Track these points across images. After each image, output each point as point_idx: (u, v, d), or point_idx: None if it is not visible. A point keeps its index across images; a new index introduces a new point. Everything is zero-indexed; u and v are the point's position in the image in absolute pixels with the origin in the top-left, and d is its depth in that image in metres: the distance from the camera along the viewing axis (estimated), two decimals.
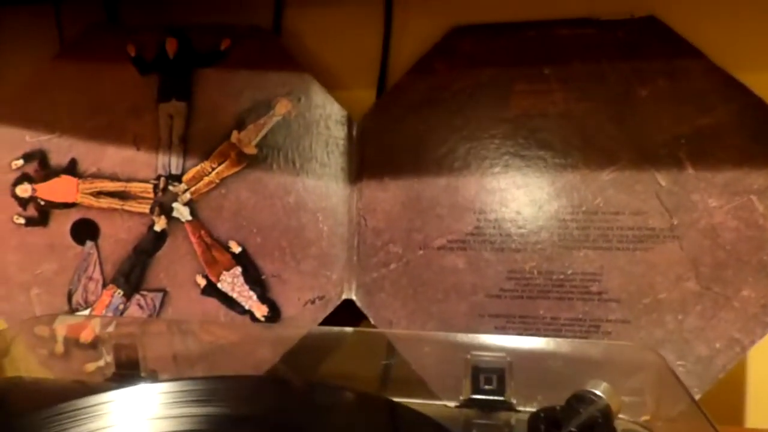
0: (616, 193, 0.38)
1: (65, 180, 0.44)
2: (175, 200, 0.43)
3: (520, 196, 0.40)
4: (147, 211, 0.43)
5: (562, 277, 0.38)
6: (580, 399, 0.22)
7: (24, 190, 0.44)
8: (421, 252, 0.40)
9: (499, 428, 0.26)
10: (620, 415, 0.24)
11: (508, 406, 0.28)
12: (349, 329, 0.38)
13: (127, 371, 0.32)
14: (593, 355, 0.28)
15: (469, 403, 0.28)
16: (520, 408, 0.28)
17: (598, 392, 0.23)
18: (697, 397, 0.35)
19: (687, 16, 0.39)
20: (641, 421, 0.25)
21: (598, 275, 0.38)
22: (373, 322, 0.41)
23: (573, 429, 0.20)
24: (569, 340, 0.30)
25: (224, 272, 0.42)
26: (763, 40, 0.40)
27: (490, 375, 0.28)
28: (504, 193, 0.40)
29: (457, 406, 0.28)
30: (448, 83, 0.42)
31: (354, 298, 0.41)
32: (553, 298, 0.38)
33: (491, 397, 0.28)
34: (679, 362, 0.36)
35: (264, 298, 0.42)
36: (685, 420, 0.24)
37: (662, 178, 0.38)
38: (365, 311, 0.41)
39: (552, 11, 0.41)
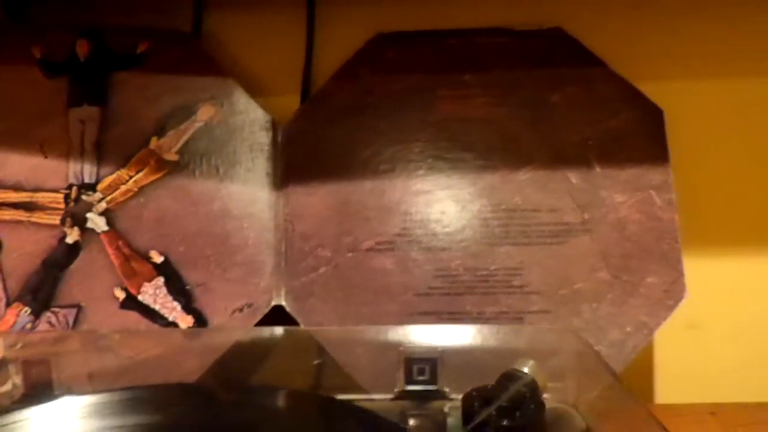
0: (533, 192, 0.41)
1: None
2: (90, 210, 0.41)
3: (444, 197, 0.41)
4: (57, 222, 0.41)
5: (486, 272, 0.40)
6: (509, 377, 0.23)
7: None
8: (350, 254, 0.41)
9: (433, 416, 0.27)
10: (545, 395, 0.25)
11: (442, 395, 0.28)
12: (278, 328, 0.37)
13: (39, 392, 0.30)
14: (518, 340, 0.30)
15: (403, 395, 0.28)
16: (453, 396, 0.29)
17: (525, 369, 0.24)
18: (601, 390, 0.37)
19: (591, 29, 0.43)
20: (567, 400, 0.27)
21: (520, 269, 0.40)
22: (303, 327, 0.40)
23: (503, 403, 0.21)
24: (495, 327, 0.31)
25: (145, 283, 0.40)
26: (658, 51, 0.44)
27: (423, 366, 0.29)
28: (429, 195, 0.41)
29: (391, 399, 0.29)
30: (372, 89, 0.43)
31: (284, 303, 0.40)
32: (479, 293, 0.40)
33: (425, 387, 0.28)
34: (595, 347, 0.38)
35: (189, 308, 0.40)
36: (607, 396, 0.25)
37: (573, 177, 0.41)
38: (296, 316, 0.40)
39: (470, 20, 0.44)
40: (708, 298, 0.43)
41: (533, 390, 0.22)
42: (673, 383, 0.43)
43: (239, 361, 0.37)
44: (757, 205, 0.43)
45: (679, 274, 0.39)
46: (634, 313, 0.39)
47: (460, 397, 0.27)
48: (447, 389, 0.29)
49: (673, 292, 0.39)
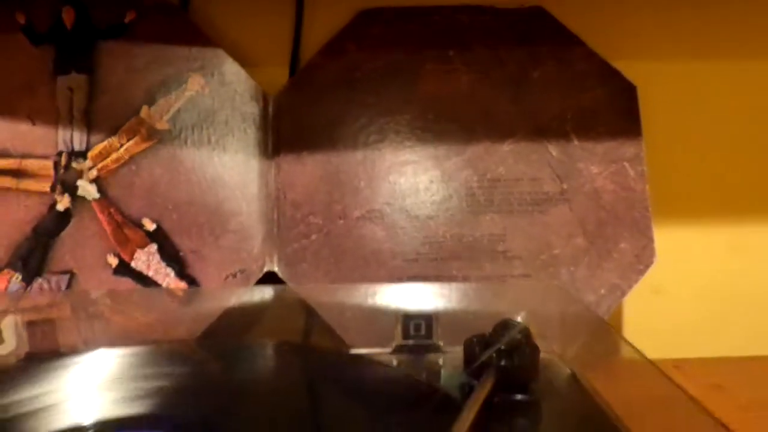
0: (515, 163, 0.43)
1: None
2: (80, 178, 0.41)
3: (431, 167, 0.43)
4: (47, 189, 0.41)
5: (471, 239, 0.42)
6: (504, 325, 0.25)
7: None
8: (340, 222, 0.42)
9: (430, 366, 0.29)
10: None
11: (436, 348, 0.30)
12: (268, 288, 0.38)
13: (40, 350, 0.31)
14: (506, 295, 0.32)
15: (401, 349, 0.30)
16: (447, 349, 0.31)
17: (518, 319, 0.26)
18: (585, 339, 0.40)
19: (570, 9, 0.45)
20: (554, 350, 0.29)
21: (503, 236, 0.42)
22: (292, 286, 0.42)
23: (502, 346, 0.23)
24: (484, 283, 0.33)
25: (138, 250, 0.41)
26: (633, 31, 0.46)
27: (419, 321, 0.30)
28: (417, 165, 0.43)
29: (390, 353, 0.30)
30: (360, 63, 0.44)
31: (276, 269, 0.42)
32: (464, 259, 0.42)
33: (421, 342, 0.30)
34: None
35: (182, 274, 0.41)
36: (591, 344, 0.28)
37: (553, 149, 0.43)
38: (288, 282, 0.42)
39: None
40: (672, 263, 0.46)
41: (527, 336, 0.25)
42: (640, 341, 0.46)
43: (231, 322, 0.38)
44: (719, 178, 0.46)
45: (649, 240, 0.42)
46: (607, 277, 0.41)
47: (453, 349, 0.29)
48: (441, 343, 0.31)
49: (643, 257, 0.42)
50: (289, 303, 0.36)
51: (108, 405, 0.23)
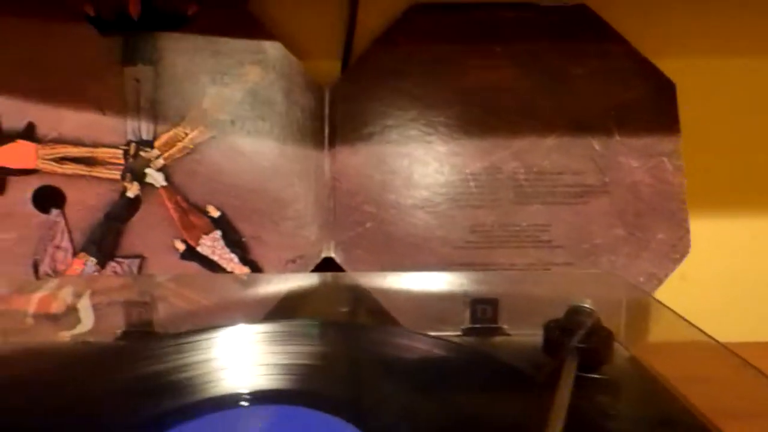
0: (560, 156, 0.45)
1: (22, 145, 0.42)
2: (148, 166, 0.43)
3: (479, 159, 0.45)
4: (117, 177, 0.43)
5: (517, 228, 0.45)
6: (577, 311, 0.28)
7: None
8: (393, 211, 0.45)
9: (495, 349, 0.32)
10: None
11: (502, 331, 0.33)
12: (327, 274, 0.41)
13: (139, 329, 0.33)
14: (561, 281, 0.35)
15: (469, 332, 0.33)
16: (511, 332, 0.33)
17: (587, 306, 0.29)
18: (641, 322, 0.42)
19: (612, 6, 0.47)
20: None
21: (547, 226, 0.45)
22: (350, 272, 0.44)
23: (583, 331, 0.26)
24: (544, 271, 0.36)
25: (203, 236, 0.43)
26: (674, 29, 0.48)
27: (486, 306, 0.33)
28: (465, 157, 0.45)
29: (459, 335, 0.33)
30: (410, 57, 0.46)
31: (333, 255, 0.44)
32: (510, 247, 0.44)
33: (487, 325, 0.33)
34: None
35: (245, 259, 0.43)
36: (649, 328, 0.31)
37: (596, 144, 0.45)
38: (344, 267, 0.44)
39: None
40: (699, 251, 0.49)
41: (598, 320, 0.27)
42: None
43: (291, 307, 0.41)
44: (749, 170, 0.49)
45: (686, 232, 0.44)
46: (645, 266, 0.44)
47: (517, 332, 0.32)
48: (506, 326, 0.33)
49: (679, 247, 0.44)
50: (349, 289, 0.38)
51: (258, 377, 0.25)
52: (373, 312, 0.38)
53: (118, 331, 0.33)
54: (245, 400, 0.24)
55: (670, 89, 0.46)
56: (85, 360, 0.29)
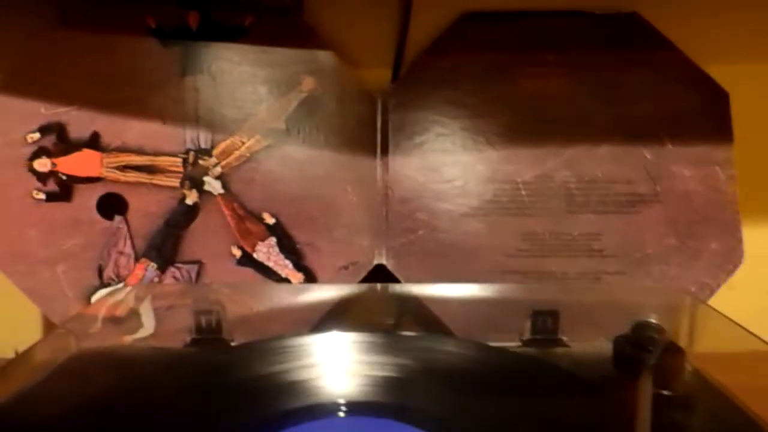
0: (611, 165, 0.45)
1: (87, 154, 0.43)
2: (206, 174, 0.44)
3: (531, 168, 0.45)
4: (176, 184, 0.44)
5: (569, 237, 0.45)
6: (645, 327, 0.28)
7: (43, 165, 0.42)
8: (445, 218, 0.45)
9: (557, 359, 0.32)
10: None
11: (562, 343, 0.34)
12: (378, 285, 0.41)
13: (207, 336, 0.34)
14: (626, 294, 0.35)
15: (529, 343, 0.33)
16: (571, 344, 0.34)
17: (654, 321, 0.29)
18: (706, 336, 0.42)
19: (664, 15, 0.46)
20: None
21: (599, 235, 0.45)
22: (403, 283, 0.45)
23: (654, 348, 0.26)
24: (604, 284, 0.36)
25: (259, 243, 0.44)
26: (725, 37, 0.48)
27: (546, 317, 0.34)
28: (516, 165, 0.46)
29: (519, 346, 0.34)
30: (460, 65, 0.46)
31: (385, 263, 0.45)
32: (562, 256, 0.45)
33: (548, 336, 0.33)
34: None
35: (299, 266, 0.44)
36: (715, 344, 0.31)
37: (647, 153, 0.45)
38: (396, 274, 0.45)
39: (551, 2, 0.47)
40: (748, 262, 0.48)
41: (668, 337, 0.28)
42: None
43: (344, 316, 0.42)
44: None
45: (738, 242, 0.44)
46: (697, 275, 0.44)
47: (575, 343, 0.32)
48: (565, 337, 0.34)
49: (732, 257, 0.44)
50: (402, 299, 0.39)
51: (352, 387, 0.26)
52: (429, 323, 0.39)
53: (188, 338, 0.34)
54: (339, 410, 0.24)
55: (722, 97, 0.45)
56: (185, 364, 0.29)
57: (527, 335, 0.33)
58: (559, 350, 0.33)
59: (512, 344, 0.34)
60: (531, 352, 0.32)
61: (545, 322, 0.33)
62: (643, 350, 0.26)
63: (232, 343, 0.34)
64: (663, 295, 0.35)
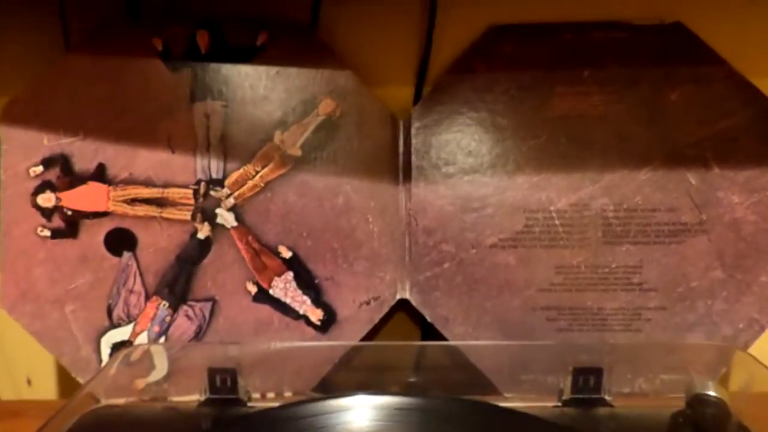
0: (653, 192, 0.42)
1: (93, 187, 0.41)
2: (218, 206, 0.42)
3: (566, 194, 0.42)
4: (188, 218, 0.41)
5: (606, 270, 0.42)
6: (704, 402, 0.25)
7: (47, 200, 0.40)
8: (473, 251, 0.42)
9: (599, 421, 0.29)
10: None
11: (605, 403, 0.31)
12: (416, 343, 0.39)
13: (223, 396, 0.32)
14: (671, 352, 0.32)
15: (570, 402, 0.31)
16: (615, 404, 0.31)
17: (713, 393, 0.26)
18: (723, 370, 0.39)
19: (710, 24, 0.43)
20: None
21: (639, 267, 0.42)
22: (429, 319, 0.42)
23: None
24: (652, 341, 0.33)
25: (276, 278, 0.42)
26: None
27: (588, 376, 0.31)
28: (550, 192, 0.42)
29: (559, 406, 0.31)
30: (490, 85, 0.43)
31: (409, 297, 0.42)
32: (599, 290, 0.42)
33: (590, 396, 0.30)
34: (708, 342, 0.41)
35: (318, 301, 0.42)
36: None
37: (692, 177, 0.42)
38: (421, 310, 0.42)
39: (587, 14, 0.43)
40: None
41: (728, 412, 0.25)
42: None
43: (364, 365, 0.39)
44: None
45: None
46: (746, 311, 0.41)
47: (620, 404, 0.29)
48: (609, 398, 0.31)
49: None
50: (446, 357, 0.36)
51: None
52: (474, 382, 0.36)
53: (202, 398, 0.32)
54: None
55: None
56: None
57: (567, 394, 0.31)
58: (603, 411, 0.30)
59: (551, 404, 0.31)
60: (572, 412, 0.30)
61: (587, 381, 0.30)
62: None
63: (249, 403, 0.31)
64: (714, 354, 0.32)
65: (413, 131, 0.43)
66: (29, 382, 0.48)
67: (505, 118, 0.43)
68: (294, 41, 0.42)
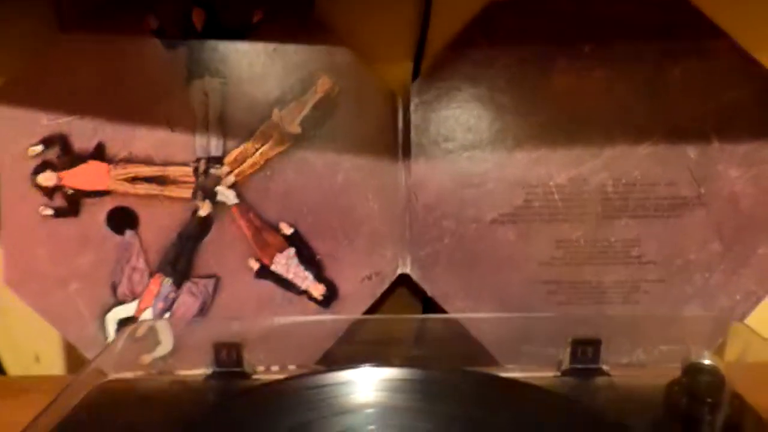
0: (652, 166, 0.42)
1: (94, 166, 0.41)
2: (219, 183, 0.42)
3: (566, 169, 0.42)
4: (189, 195, 0.42)
5: (605, 244, 0.42)
6: (699, 370, 0.26)
7: (47, 179, 0.40)
8: (473, 226, 0.42)
9: (597, 391, 0.30)
10: None
11: (603, 373, 0.31)
12: (417, 317, 0.39)
13: (229, 369, 0.32)
14: (669, 324, 0.32)
15: (569, 372, 0.31)
16: (612, 374, 0.31)
17: (709, 362, 0.27)
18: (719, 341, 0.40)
19: None
20: None
21: (637, 241, 0.42)
22: (429, 294, 0.43)
23: (721, 403, 0.23)
24: (650, 313, 0.33)
25: (277, 254, 0.42)
26: None
27: (587, 347, 0.31)
28: (550, 167, 0.42)
29: (557, 376, 0.31)
30: (491, 60, 0.43)
31: (409, 272, 0.42)
32: (598, 264, 0.42)
33: (588, 366, 0.31)
34: (704, 313, 0.42)
35: (320, 277, 0.42)
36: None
37: (692, 151, 0.42)
38: (422, 285, 0.43)
39: None
40: None
41: (724, 381, 0.25)
42: None
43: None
44: None
45: None
46: (744, 282, 0.41)
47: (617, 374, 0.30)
48: (607, 367, 0.32)
49: None
50: (447, 330, 0.37)
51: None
52: (474, 354, 0.37)
53: (208, 371, 0.33)
54: None
55: None
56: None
57: (566, 365, 0.31)
58: (601, 380, 0.31)
59: (551, 374, 0.32)
60: (571, 382, 0.30)
61: (586, 352, 0.31)
62: (701, 401, 0.24)
63: (254, 376, 0.32)
64: (711, 325, 0.33)
65: (412, 107, 0.42)
66: (38, 359, 0.49)
67: (505, 94, 0.42)
68: (290, 19, 0.42)
